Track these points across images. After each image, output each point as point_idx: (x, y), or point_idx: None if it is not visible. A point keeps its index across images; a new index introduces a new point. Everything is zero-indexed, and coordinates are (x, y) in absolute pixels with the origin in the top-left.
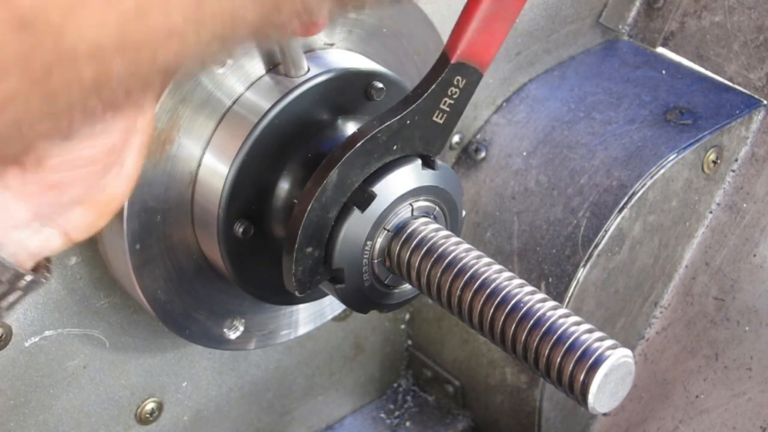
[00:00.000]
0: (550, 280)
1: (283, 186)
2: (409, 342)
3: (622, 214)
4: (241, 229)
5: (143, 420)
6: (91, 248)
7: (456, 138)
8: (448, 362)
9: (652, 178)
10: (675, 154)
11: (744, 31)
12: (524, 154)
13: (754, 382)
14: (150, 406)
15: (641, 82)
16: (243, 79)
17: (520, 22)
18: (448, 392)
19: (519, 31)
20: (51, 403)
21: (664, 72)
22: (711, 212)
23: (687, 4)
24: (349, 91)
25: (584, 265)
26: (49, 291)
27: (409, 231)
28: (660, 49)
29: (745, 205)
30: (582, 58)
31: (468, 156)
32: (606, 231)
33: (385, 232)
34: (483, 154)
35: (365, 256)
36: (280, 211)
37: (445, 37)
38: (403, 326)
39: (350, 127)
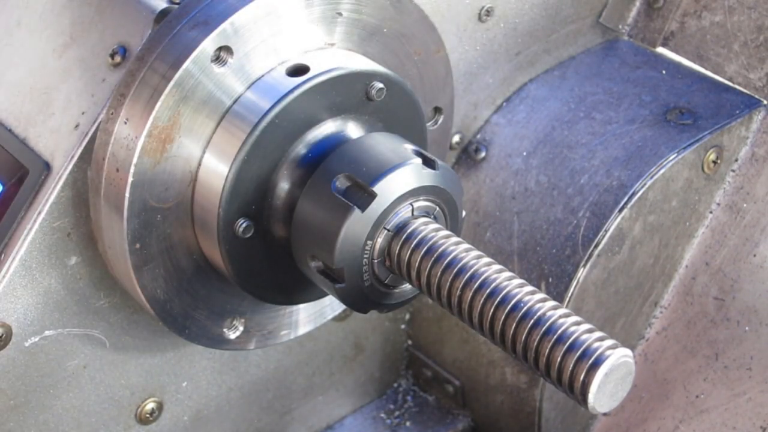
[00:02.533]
0: (550, 280)
1: (283, 186)
2: (409, 342)
3: (623, 214)
4: (241, 229)
5: (143, 420)
6: (91, 248)
7: (456, 138)
8: (448, 362)
9: (652, 178)
10: (675, 154)
11: (744, 31)
12: (524, 154)
13: (754, 382)
14: (150, 405)
15: (641, 82)
16: (243, 79)
17: (520, 22)
18: (448, 392)
19: (519, 31)
20: (51, 403)
21: (664, 72)
22: (711, 212)
23: (687, 4)
24: (349, 91)
25: (584, 265)
26: (49, 291)
27: (409, 231)
28: (660, 49)
29: (745, 205)
30: (582, 57)
31: (468, 156)
32: (606, 231)
33: (386, 231)
34: (483, 154)
35: (365, 256)
36: (280, 210)
37: (445, 37)
38: (403, 326)
39: (351, 127)
